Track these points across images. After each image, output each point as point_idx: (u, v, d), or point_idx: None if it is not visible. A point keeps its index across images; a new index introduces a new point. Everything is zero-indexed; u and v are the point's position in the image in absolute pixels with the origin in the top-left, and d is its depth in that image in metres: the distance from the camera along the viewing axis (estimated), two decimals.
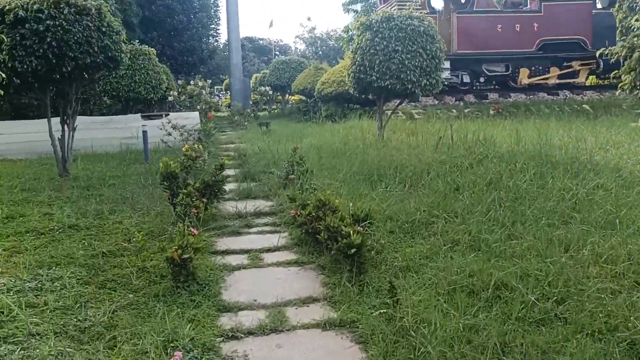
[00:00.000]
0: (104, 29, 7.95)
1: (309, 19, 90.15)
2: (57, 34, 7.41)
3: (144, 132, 9.75)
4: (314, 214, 4.60)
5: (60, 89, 8.32)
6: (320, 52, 75.51)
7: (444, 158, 7.44)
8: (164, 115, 12.80)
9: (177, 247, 3.87)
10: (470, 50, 17.16)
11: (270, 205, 6.53)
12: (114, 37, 8.14)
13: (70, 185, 7.56)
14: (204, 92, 17.03)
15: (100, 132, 11.97)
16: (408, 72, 8.61)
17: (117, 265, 4.39)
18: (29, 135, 11.19)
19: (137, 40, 25.61)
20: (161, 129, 9.82)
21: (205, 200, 5.68)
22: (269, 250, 4.88)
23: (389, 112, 13.07)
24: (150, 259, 4.47)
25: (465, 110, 16.83)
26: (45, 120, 8.39)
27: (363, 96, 10.12)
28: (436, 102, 17.43)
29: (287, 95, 25.59)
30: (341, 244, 3.92)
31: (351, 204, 4.91)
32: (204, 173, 7.56)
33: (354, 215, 4.34)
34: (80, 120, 12.71)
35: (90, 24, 7.79)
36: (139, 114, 12.62)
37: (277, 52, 70.40)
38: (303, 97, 22.23)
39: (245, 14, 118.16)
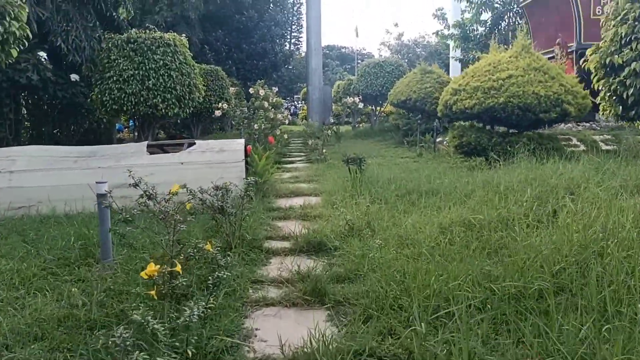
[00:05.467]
0: None
1: (396, 24, 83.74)
2: None
3: (100, 198, 4.38)
4: None
5: None
6: (407, 60, 69.37)
7: None
8: (185, 145, 7.51)
9: None
10: None
11: None
12: None
13: None
14: (266, 103, 11.69)
15: (71, 175, 6.88)
16: None
17: None
18: None
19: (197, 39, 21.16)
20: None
21: None
22: None
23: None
24: None
25: None
26: None
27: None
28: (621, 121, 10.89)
29: (379, 107, 19.76)
30: None
31: None
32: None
33: None
34: (45, 152, 7.80)
35: None
36: (145, 143, 7.39)
37: (360, 61, 65.25)
38: (402, 111, 16.32)
39: (328, 22, 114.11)
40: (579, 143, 9.08)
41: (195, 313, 2.64)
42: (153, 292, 2.88)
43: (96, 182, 4.46)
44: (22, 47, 5.08)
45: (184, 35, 10.87)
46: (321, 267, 4.31)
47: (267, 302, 3.68)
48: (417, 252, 4.33)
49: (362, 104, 17.21)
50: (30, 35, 5.11)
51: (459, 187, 6.15)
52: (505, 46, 17.45)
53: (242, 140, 7.65)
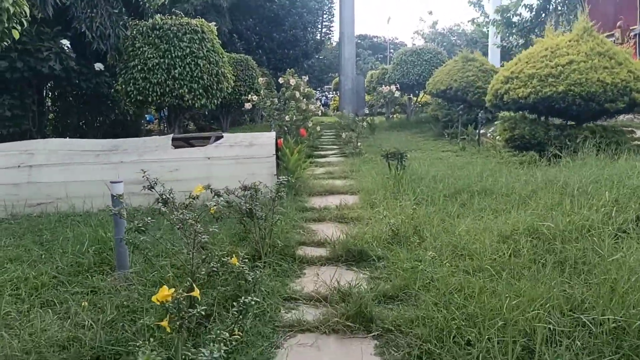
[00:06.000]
0: None
1: (430, 12, 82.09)
2: None
3: (114, 200, 3.87)
4: None
5: None
6: (442, 49, 67.66)
7: None
8: (213, 139, 7.00)
9: None
10: None
11: None
12: None
13: None
14: (297, 93, 11.11)
15: (91, 170, 6.47)
16: None
17: None
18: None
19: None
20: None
21: None
22: None
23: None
24: None
25: None
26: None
27: None
28: None
29: (415, 98, 18.93)
30: None
31: None
32: None
33: None
34: (66, 145, 7.40)
35: None
36: (170, 136, 6.91)
37: (392, 50, 64.03)
38: (439, 100, 15.45)
39: (359, 11, 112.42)
40: None
41: (215, 355, 2.09)
42: (165, 323, 2.34)
43: (110, 182, 3.96)
44: (20, 26, 4.60)
45: (213, 23, 10.38)
46: (364, 281, 3.72)
47: (303, 327, 3.11)
48: (477, 266, 3.70)
49: (399, 93, 16.39)
50: (27, 12, 4.58)
51: (517, 187, 5.44)
52: (556, 32, 16.40)
53: (273, 134, 7.10)
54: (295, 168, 6.90)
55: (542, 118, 7.94)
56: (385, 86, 15.51)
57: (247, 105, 11.03)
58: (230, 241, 4.59)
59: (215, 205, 4.01)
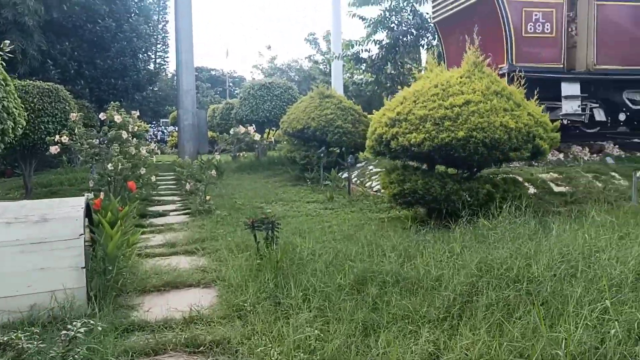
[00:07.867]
0: None
1: (269, 47, 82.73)
2: None
3: None
4: None
5: None
6: (293, 84, 68.23)
7: None
8: None
9: None
10: (612, 66, 9.66)
11: None
12: None
13: None
14: (124, 133, 8.62)
15: None
16: None
17: None
18: None
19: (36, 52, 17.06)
20: None
21: None
22: None
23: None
24: None
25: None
26: None
27: None
28: (560, 155, 9.78)
29: (266, 136, 17.30)
30: None
31: None
32: None
33: None
34: None
35: None
36: None
37: (232, 84, 62.69)
38: (288, 137, 13.87)
39: (196, 43, 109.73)
40: (527, 184, 7.48)
41: None
42: None
43: None
44: None
45: (7, 42, 7.54)
46: None
47: None
48: None
49: (259, 136, 14.57)
50: None
51: (445, 274, 3.89)
52: (401, 69, 16.19)
53: (81, 200, 4.70)
54: (116, 253, 4.58)
55: (425, 166, 6.74)
56: (241, 126, 13.57)
57: (53, 150, 8.23)
58: None
59: None
